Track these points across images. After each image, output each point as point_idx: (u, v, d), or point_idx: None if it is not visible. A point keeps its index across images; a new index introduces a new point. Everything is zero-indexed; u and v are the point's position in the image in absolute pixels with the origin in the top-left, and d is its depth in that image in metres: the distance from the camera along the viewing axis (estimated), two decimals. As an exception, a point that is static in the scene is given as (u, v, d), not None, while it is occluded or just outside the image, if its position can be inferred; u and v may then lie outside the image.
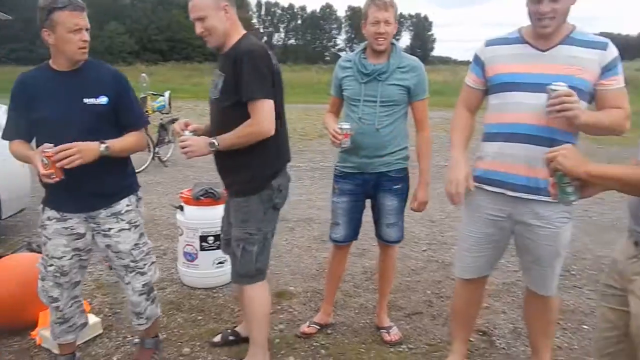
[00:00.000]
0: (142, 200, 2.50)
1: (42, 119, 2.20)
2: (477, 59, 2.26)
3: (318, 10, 73.90)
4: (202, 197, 3.42)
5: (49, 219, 2.31)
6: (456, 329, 2.56)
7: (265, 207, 2.34)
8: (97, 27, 49.92)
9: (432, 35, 77.44)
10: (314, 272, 3.88)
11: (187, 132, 2.30)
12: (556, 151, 1.58)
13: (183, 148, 2.26)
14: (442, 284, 3.66)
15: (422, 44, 71.97)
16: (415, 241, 4.57)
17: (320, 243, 4.49)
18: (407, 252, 4.24)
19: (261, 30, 70.03)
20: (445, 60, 63.18)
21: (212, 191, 3.42)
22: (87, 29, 2.18)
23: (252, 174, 2.32)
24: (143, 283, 2.44)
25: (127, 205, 2.37)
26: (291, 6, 75.22)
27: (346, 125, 2.58)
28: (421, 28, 74.68)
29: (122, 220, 2.35)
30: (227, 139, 2.24)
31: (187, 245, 3.48)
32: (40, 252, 2.51)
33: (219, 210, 3.34)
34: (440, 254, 4.27)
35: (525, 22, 2.13)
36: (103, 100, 2.23)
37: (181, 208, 3.53)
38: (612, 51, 2.01)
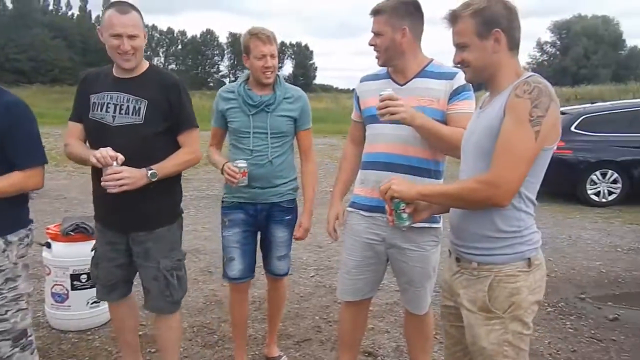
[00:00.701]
0: (15, 245, 2.20)
1: None
2: (355, 94, 2.45)
3: (199, 35, 73.03)
4: (72, 233, 3.15)
5: None
6: (343, 352, 2.59)
7: (181, 232, 2.46)
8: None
9: (313, 63, 79.98)
10: (200, 305, 3.73)
11: (115, 164, 2.10)
12: (386, 182, 1.77)
13: (117, 180, 2.09)
14: (330, 309, 3.72)
15: (304, 72, 74.01)
16: (304, 267, 4.61)
17: (207, 275, 4.35)
18: (295, 278, 4.25)
19: (139, 54, 67.20)
20: (327, 89, 65.51)
21: (85, 226, 3.16)
22: None
23: (173, 201, 2.41)
24: (1, 330, 2.18)
25: None
26: (170, 30, 73.36)
27: (243, 164, 2.50)
28: (303, 57, 76.85)
29: None
30: (167, 168, 2.24)
31: (56, 285, 3.17)
32: None
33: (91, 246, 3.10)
34: (327, 279, 4.34)
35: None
36: None
37: (48, 245, 3.22)
38: (459, 79, 2.16)
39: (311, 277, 4.41)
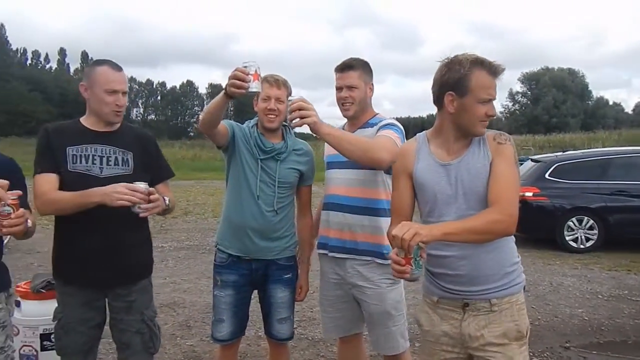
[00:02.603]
0: (13, 297, 2.19)
1: None
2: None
3: (178, 86, 74.05)
4: (43, 290, 3.04)
5: None
6: None
7: None
8: None
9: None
10: (177, 363, 3.58)
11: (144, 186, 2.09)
12: (407, 229, 1.56)
13: (155, 202, 2.09)
14: (313, 363, 3.60)
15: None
16: (284, 319, 4.48)
17: (185, 329, 4.20)
18: (276, 332, 4.13)
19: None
20: (306, 137, 66.42)
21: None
22: None
23: (151, 251, 2.45)
24: None
25: None
26: (150, 82, 74.61)
27: (255, 63, 2.00)
28: (281, 107, 77.94)
29: None
30: (170, 202, 2.30)
31: (25, 346, 3.02)
32: None
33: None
34: (310, 331, 4.23)
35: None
36: None
37: (17, 303, 3.08)
38: (383, 122, 2.37)
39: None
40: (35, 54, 61.98)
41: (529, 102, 59.76)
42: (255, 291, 2.61)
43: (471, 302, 1.81)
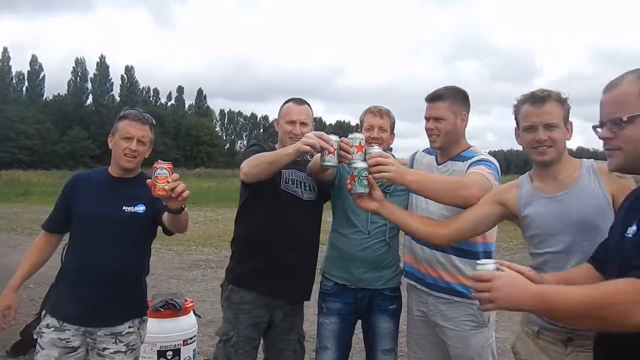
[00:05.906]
0: (146, 323, 2.41)
1: (80, 216, 2.26)
2: (413, 157, 2.61)
3: (281, 119, 77.40)
4: (161, 309, 3.28)
5: (47, 326, 2.23)
6: None
7: None
8: (60, 132, 50.68)
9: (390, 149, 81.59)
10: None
11: (335, 139, 2.03)
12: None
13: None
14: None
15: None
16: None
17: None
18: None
19: (224, 138, 73.23)
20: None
21: (173, 302, 3.29)
22: (140, 141, 2.25)
23: None
24: None
25: (129, 327, 2.27)
26: (254, 115, 79.40)
27: (360, 135, 2.03)
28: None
29: (121, 342, 2.24)
30: None
31: (143, 360, 3.27)
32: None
33: (179, 322, 3.19)
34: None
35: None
36: (140, 208, 2.27)
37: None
38: (474, 158, 2.23)
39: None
40: (155, 91, 68.00)
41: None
42: (358, 322, 2.63)
43: (575, 337, 1.64)
